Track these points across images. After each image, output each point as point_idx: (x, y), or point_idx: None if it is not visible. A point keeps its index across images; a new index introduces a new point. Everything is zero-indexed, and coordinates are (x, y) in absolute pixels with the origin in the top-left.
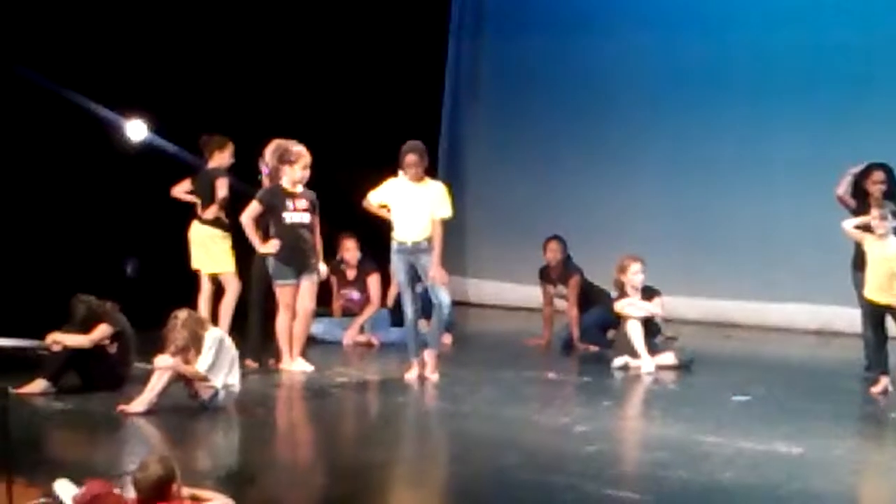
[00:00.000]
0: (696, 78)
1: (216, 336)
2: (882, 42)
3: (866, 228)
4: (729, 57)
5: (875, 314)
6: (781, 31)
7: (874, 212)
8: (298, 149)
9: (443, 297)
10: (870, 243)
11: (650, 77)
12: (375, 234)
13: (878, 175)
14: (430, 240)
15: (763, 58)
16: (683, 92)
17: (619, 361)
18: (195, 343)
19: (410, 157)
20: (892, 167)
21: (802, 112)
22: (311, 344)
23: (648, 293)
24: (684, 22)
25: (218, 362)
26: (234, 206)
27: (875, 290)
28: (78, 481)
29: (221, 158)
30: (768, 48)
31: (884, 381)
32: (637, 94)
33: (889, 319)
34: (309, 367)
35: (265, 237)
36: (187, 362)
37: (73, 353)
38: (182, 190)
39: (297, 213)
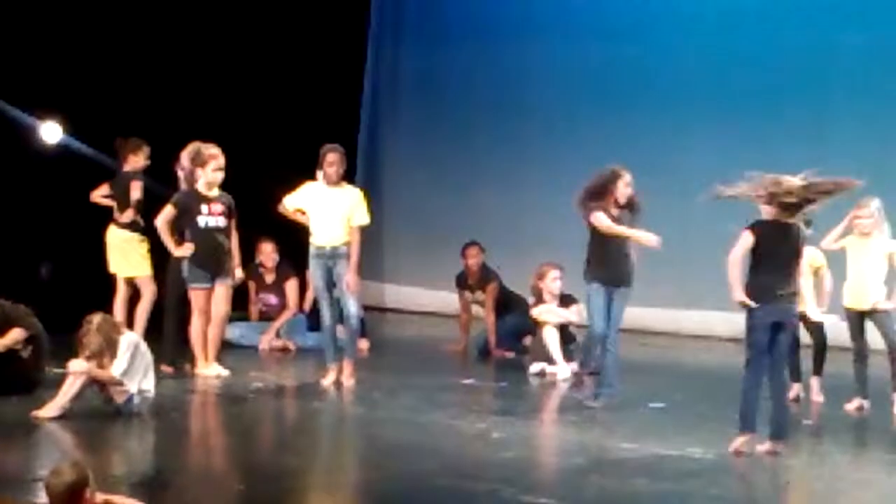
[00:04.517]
0: (613, 85)
1: (131, 340)
2: (793, 53)
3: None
4: (646, 64)
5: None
6: (697, 39)
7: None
8: (211, 150)
9: (351, 307)
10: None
11: (568, 84)
12: (294, 239)
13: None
14: (348, 245)
15: (679, 66)
16: (601, 99)
17: (535, 368)
18: (110, 347)
19: (331, 156)
20: None
21: (718, 119)
22: (228, 348)
23: (566, 300)
24: (602, 29)
25: (133, 367)
26: (151, 209)
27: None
28: None
29: (136, 161)
30: (684, 56)
31: (796, 389)
32: (555, 101)
33: (800, 327)
34: (224, 372)
35: (181, 241)
36: (102, 367)
37: None
38: (100, 194)
39: (213, 217)
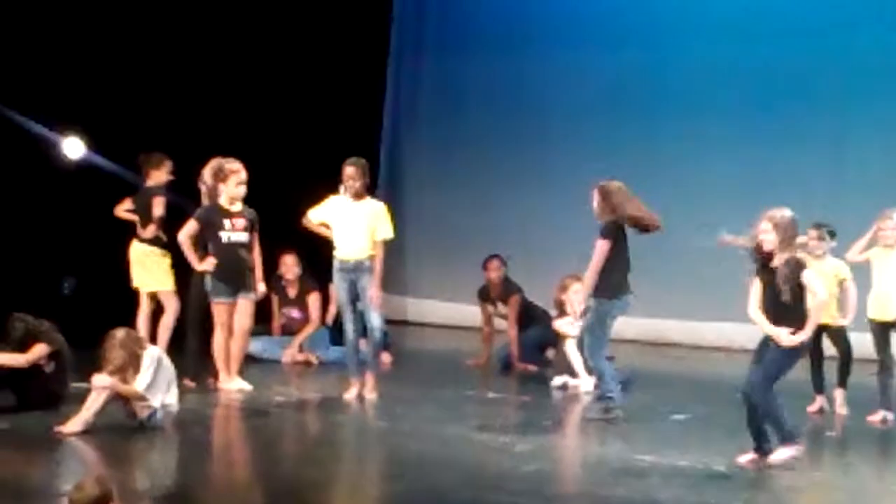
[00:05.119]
0: (632, 96)
1: (154, 355)
2: (812, 60)
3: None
4: (665, 73)
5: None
6: (716, 47)
7: (811, 232)
8: (233, 165)
9: (374, 320)
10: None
11: (588, 96)
12: (317, 252)
13: None
14: (371, 258)
15: (698, 73)
16: (620, 110)
17: (558, 380)
18: (133, 362)
19: (350, 170)
20: None
21: (739, 130)
22: (250, 362)
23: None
24: (620, 38)
25: (156, 381)
26: (174, 224)
27: None
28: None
29: (159, 176)
30: (703, 64)
31: (819, 401)
32: (575, 113)
33: (825, 338)
34: (247, 386)
35: (204, 255)
36: (125, 381)
37: (8, 373)
38: (123, 209)
39: (235, 232)
